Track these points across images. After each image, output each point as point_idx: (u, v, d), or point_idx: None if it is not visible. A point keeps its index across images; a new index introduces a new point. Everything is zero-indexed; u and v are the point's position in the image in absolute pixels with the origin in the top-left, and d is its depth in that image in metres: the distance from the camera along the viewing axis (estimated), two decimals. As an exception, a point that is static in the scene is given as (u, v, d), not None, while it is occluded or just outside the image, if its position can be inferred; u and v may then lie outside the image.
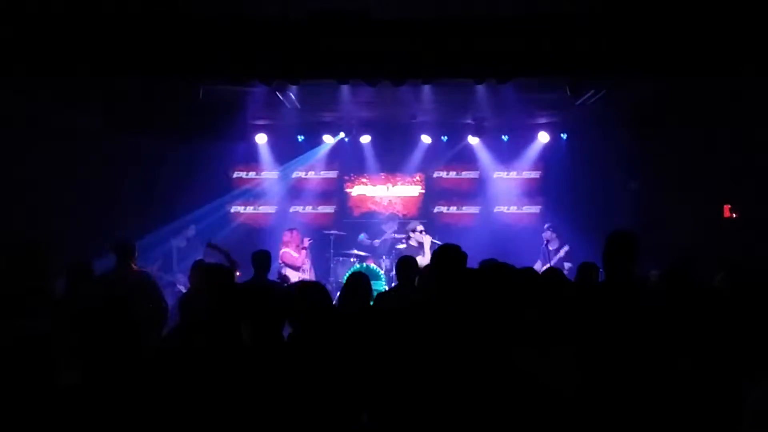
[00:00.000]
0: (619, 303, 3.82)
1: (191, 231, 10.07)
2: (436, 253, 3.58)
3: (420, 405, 2.64)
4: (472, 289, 3.10)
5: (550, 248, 9.65)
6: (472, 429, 2.63)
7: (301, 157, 11.84)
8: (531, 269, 3.82)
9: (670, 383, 3.04)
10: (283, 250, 9.13)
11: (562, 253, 9.46)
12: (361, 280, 4.83)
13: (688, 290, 3.97)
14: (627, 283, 4.05)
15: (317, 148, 11.80)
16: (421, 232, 8.98)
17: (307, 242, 9.46)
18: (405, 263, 5.30)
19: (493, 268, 3.43)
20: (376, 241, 10.65)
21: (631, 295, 3.94)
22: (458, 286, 3.13)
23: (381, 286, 10.00)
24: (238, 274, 6.25)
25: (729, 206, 10.30)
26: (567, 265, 9.21)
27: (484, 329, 2.88)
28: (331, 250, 10.72)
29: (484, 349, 2.79)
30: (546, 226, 9.96)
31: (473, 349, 2.79)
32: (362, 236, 10.88)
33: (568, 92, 8.19)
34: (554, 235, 9.72)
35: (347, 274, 9.76)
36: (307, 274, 9.14)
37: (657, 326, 3.45)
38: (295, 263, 8.90)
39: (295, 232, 9.55)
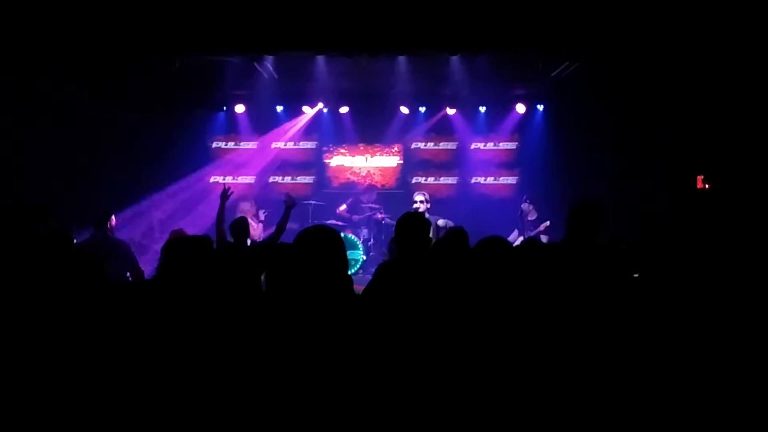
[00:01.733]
0: (577, 269, 3.94)
1: (170, 203, 10.10)
2: (400, 221, 3.69)
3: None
4: (436, 254, 3.22)
5: (529, 219, 9.78)
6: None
7: (280, 127, 11.87)
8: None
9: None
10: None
11: (542, 227, 9.57)
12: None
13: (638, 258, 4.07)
14: (587, 250, 4.20)
15: (296, 119, 11.83)
16: (422, 202, 8.60)
17: (263, 215, 9.50)
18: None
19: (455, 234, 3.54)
20: (355, 216, 10.76)
21: (591, 261, 4.08)
22: (421, 252, 3.25)
23: (359, 255, 10.16)
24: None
25: (702, 177, 10.42)
26: (544, 238, 9.36)
27: (443, 293, 3.00)
28: (310, 220, 10.83)
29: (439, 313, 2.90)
30: (524, 197, 10.07)
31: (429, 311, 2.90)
32: (343, 208, 11.00)
33: (541, 65, 8.28)
34: (532, 207, 9.83)
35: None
36: None
37: (606, 292, 3.56)
38: (252, 235, 8.86)
39: (252, 202, 9.62)
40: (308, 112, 11.68)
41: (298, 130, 11.91)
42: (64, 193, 8.84)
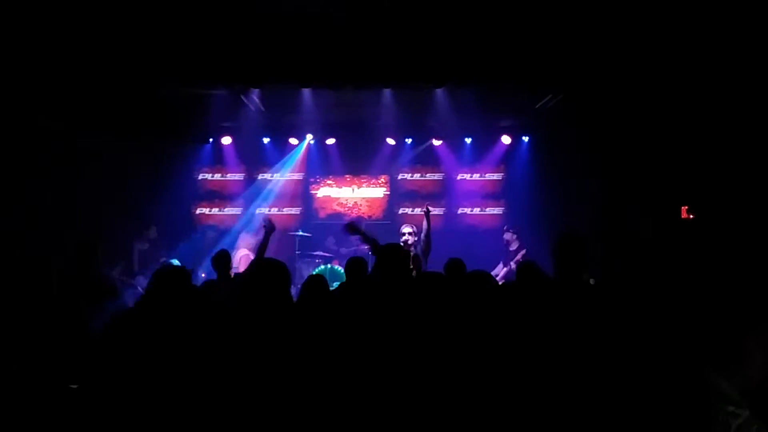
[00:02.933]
0: (564, 303, 3.93)
1: (153, 233, 10.03)
2: (381, 251, 3.70)
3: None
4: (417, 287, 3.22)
5: (511, 249, 9.82)
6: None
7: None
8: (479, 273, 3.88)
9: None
10: (244, 253, 9.10)
11: (519, 256, 9.61)
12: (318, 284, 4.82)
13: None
14: (574, 284, 4.19)
15: (295, 152, 11.89)
16: (410, 234, 7.90)
17: None
18: (355, 264, 5.31)
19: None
20: (344, 249, 10.75)
21: (577, 295, 4.06)
22: (401, 281, 3.26)
23: (346, 287, 10.10)
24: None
25: (686, 207, 10.48)
26: None
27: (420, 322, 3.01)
28: (297, 252, 10.79)
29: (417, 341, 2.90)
30: (505, 227, 10.13)
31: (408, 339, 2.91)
32: (331, 240, 11.01)
33: (525, 97, 8.35)
34: (514, 236, 9.88)
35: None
36: None
37: (596, 327, 3.55)
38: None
39: (252, 234, 9.61)
40: (294, 143, 11.71)
41: (285, 162, 11.93)
42: (45, 224, 8.76)
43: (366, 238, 6.00)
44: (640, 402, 2.87)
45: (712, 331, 3.36)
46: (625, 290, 4.75)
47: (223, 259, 6.19)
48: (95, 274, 6.22)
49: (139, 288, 8.79)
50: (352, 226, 6.28)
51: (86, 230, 8.71)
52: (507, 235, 9.91)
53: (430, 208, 7.65)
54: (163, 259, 9.49)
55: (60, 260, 6.35)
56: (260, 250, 6.33)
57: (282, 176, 12.03)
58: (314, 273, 6.88)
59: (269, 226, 6.39)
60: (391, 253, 3.65)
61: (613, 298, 4.22)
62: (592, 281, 5.91)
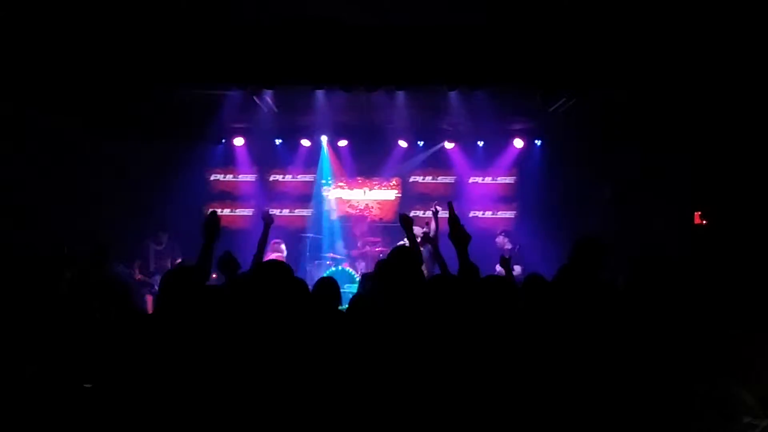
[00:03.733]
0: (581, 305, 3.92)
1: (164, 239, 10.01)
2: (392, 253, 3.71)
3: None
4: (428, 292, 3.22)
5: (506, 248, 9.90)
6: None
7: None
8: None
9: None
10: (275, 256, 9.03)
11: (505, 254, 9.71)
12: (330, 286, 4.79)
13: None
14: (591, 287, 4.17)
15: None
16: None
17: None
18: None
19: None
20: (354, 252, 10.75)
21: (594, 298, 4.05)
22: (412, 285, 3.27)
23: (356, 289, 10.07)
24: None
25: (699, 213, 10.42)
26: (518, 268, 9.37)
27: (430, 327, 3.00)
28: (307, 253, 10.80)
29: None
30: (499, 231, 10.19)
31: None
32: (339, 244, 11.05)
33: (538, 100, 8.31)
34: (506, 239, 9.98)
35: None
36: None
37: (613, 330, 3.52)
38: None
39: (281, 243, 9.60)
40: (306, 144, 11.71)
41: (296, 163, 11.94)
42: (58, 224, 8.79)
43: (411, 238, 5.72)
44: (655, 411, 2.84)
45: (728, 339, 3.33)
46: (638, 295, 4.71)
47: (228, 261, 6.09)
48: (107, 274, 6.28)
49: (156, 286, 8.87)
50: (407, 219, 5.86)
51: (100, 231, 8.79)
52: (499, 239, 10.03)
53: (438, 209, 7.58)
54: (178, 260, 9.55)
55: (74, 261, 6.44)
56: (260, 244, 6.16)
57: (294, 177, 12.04)
58: (325, 275, 6.84)
59: (269, 219, 6.23)
60: (398, 256, 3.64)
61: (626, 303, 4.20)
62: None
